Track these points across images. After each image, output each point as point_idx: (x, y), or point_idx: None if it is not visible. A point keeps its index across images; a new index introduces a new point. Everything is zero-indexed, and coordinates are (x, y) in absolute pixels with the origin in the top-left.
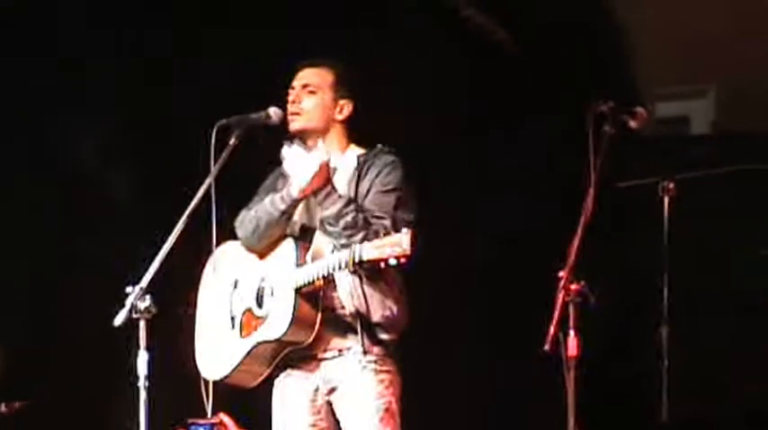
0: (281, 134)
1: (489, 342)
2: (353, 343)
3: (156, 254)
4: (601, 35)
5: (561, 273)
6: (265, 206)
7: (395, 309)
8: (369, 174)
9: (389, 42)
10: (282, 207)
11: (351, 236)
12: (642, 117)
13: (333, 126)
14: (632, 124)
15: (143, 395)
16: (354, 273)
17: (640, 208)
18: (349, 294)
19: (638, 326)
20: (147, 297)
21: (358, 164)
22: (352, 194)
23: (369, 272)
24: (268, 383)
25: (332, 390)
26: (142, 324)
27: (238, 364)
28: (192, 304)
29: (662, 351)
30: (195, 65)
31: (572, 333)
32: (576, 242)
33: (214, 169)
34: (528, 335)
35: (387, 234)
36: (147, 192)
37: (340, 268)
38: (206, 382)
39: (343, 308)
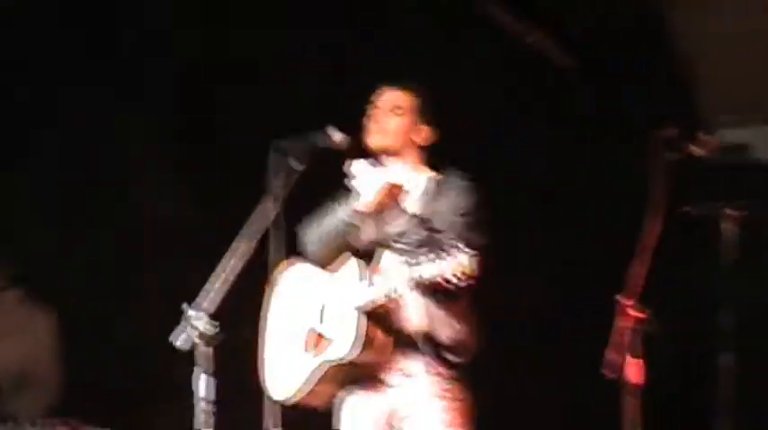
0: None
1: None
2: (420, 365)
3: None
4: (667, 60)
5: (620, 298)
6: (330, 218)
7: (462, 329)
8: (442, 197)
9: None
10: (346, 219)
11: (417, 254)
12: (707, 144)
13: (409, 148)
14: (696, 151)
15: (202, 417)
16: (420, 292)
17: (703, 234)
18: (415, 314)
19: (701, 354)
20: (213, 322)
21: (431, 185)
22: (425, 215)
23: (434, 292)
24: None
25: (400, 416)
26: (204, 349)
27: (305, 385)
28: (253, 328)
29: (724, 379)
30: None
31: (635, 359)
32: (640, 269)
33: (277, 192)
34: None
35: (449, 254)
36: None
37: (402, 287)
38: (272, 403)
39: (408, 327)
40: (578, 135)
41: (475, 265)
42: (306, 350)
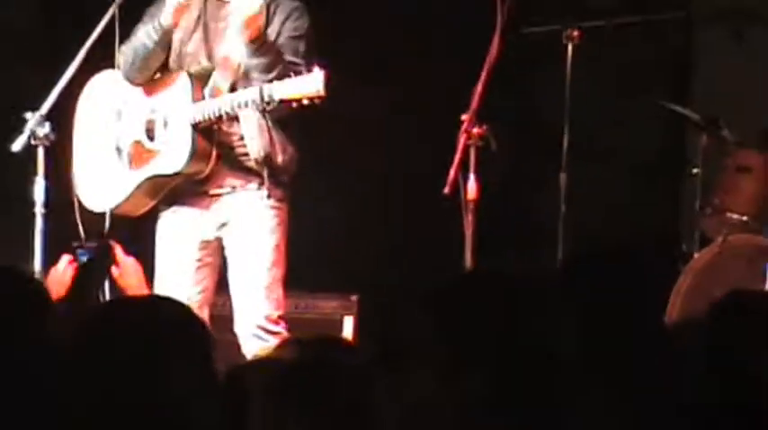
0: None
1: (392, 184)
2: (250, 181)
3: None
4: None
5: (464, 117)
6: (140, 37)
7: (293, 151)
8: (276, 19)
9: None
10: (156, 37)
11: (260, 76)
12: None
13: None
14: None
15: (39, 222)
16: (263, 112)
17: (544, 54)
18: (255, 134)
19: (537, 171)
20: (47, 124)
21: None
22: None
23: (277, 113)
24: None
25: (223, 225)
26: (41, 150)
27: (128, 197)
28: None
29: (560, 197)
30: None
31: (472, 176)
32: (479, 86)
33: None
34: (431, 179)
35: (299, 74)
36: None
37: (247, 106)
38: (82, 210)
39: (242, 146)
40: None
41: (324, 84)
42: (129, 161)
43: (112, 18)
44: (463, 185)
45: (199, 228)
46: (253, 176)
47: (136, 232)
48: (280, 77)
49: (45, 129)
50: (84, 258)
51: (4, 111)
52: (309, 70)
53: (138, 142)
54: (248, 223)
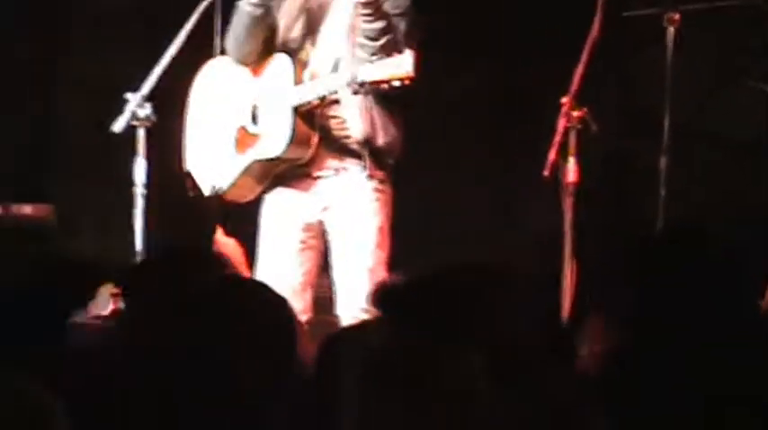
0: None
1: (491, 166)
2: (352, 164)
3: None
4: None
5: (564, 100)
6: (240, 8)
7: (397, 134)
8: None
9: None
10: (249, 8)
11: (362, 47)
12: None
13: None
14: None
15: (139, 202)
16: (356, 93)
17: (645, 37)
18: (356, 116)
19: (638, 155)
20: (148, 105)
21: None
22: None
23: (375, 93)
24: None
25: (326, 208)
26: (141, 132)
27: (234, 182)
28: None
29: (659, 180)
30: None
31: (572, 159)
32: (579, 69)
33: None
34: (531, 161)
35: (389, 56)
36: (151, 4)
37: (341, 88)
38: (194, 186)
39: (343, 128)
40: None
41: (413, 65)
42: (235, 145)
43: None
44: (563, 168)
45: (302, 211)
46: (355, 158)
47: (238, 214)
48: (386, 48)
49: (146, 110)
50: None
51: (106, 91)
52: (410, 48)
53: (243, 126)
54: (350, 205)
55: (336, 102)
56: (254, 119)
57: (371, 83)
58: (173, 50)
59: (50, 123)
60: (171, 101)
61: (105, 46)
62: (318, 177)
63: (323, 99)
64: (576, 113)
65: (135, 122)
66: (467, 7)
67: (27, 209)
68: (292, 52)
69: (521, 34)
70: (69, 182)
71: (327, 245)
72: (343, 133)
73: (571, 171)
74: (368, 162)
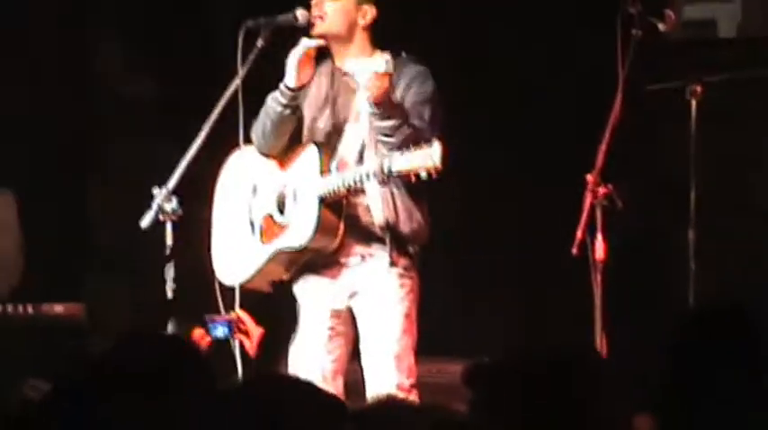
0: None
1: (520, 246)
2: (378, 250)
3: (182, 157)
4: None
5: (589, 177)
6: (269, 104)
7: (422, 220)
8: (401, 83)
9: None
10: (283, 100)
11: (385, 142)
12: (671, 19)
13: (356, 32)
14: (661, 27)
15: (170, 296)
16: (383, 183)
17: (668, 111)
18: (379, 203)
19: (665, 228)
20: (174, 198)
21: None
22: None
23: (400, 184)
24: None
25: (353, 295)
26: (169, 225)
27: (258, 270)
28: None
29: (688, 253)
30: None
31: (599, 236)
32: (603, 146)
33: (241, 71)
34: (557, 240)
35: (417, 146)
36: (175, 97)
37: (368, 179)
38: (220, 284)
39: (368, 216)
40: (541, 15)
41: (440, 156)
42: (260, 235)
43: (236, 92)
44: (591, 245)
45: (329, 298)
46: (381, 245)
47: (268, 302)
48: (406, 142)
49: (172, 205)
50: (216, 331)
51: (135, 185)
52: (434, 136)
53: (269, 216)
54: (377, 292)
55: (362, 190)
56: (280, 208)
57: (399, 173)
58: (198, 143)
59: (81, 219)
60: (196, 191)
61: (133, 137)
62: (345, 264)
63: (349, 189)
64: (601, 190)
65: (161, 217)
66: (491, 88)
67: (59, 308)
68: (318, 142)
69: (543, 111)
70: (100, 278)
71: (357, 331)
72: (368, 220)
73: (599, 248)
74: (391, 249)
